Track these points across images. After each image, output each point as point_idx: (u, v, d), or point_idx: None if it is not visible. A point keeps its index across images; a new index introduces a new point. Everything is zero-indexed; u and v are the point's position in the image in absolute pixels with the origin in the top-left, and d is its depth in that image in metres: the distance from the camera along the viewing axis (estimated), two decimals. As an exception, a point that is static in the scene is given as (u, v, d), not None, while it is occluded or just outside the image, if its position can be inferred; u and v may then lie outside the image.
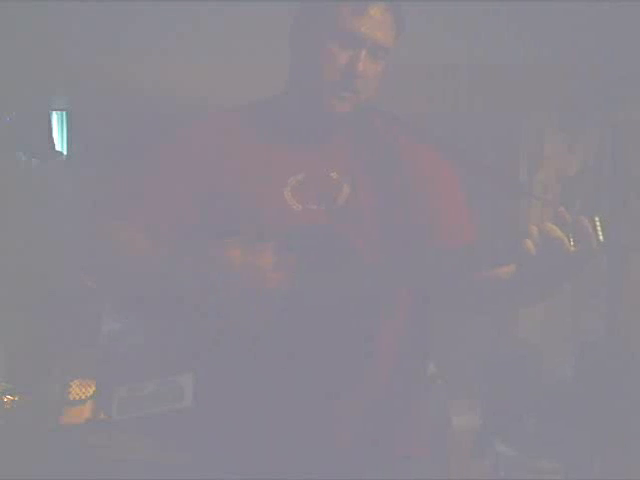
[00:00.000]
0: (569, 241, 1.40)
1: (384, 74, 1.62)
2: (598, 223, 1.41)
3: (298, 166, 1.65)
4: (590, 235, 1.41)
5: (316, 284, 1.52)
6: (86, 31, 3.26)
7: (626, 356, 3.35)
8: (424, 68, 3.35)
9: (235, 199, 1.63)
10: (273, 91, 1.73)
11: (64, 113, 3.59)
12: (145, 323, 1.61)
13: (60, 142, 3.57)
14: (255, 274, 1.49)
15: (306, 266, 1.52)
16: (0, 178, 3.18)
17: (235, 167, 1.65)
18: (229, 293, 1.51)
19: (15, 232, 2.95)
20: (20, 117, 3.33)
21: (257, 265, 1.49)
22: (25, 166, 3.34)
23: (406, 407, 1.70)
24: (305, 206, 1.63)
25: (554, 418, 3.24)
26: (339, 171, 1.66)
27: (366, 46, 1.56)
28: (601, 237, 1.41)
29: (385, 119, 1.70)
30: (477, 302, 1.68)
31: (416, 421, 1.72)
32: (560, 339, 3.69)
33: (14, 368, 2.25)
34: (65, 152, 3.56)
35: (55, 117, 3.57)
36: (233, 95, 1.82)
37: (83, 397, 2.44)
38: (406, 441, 1.70)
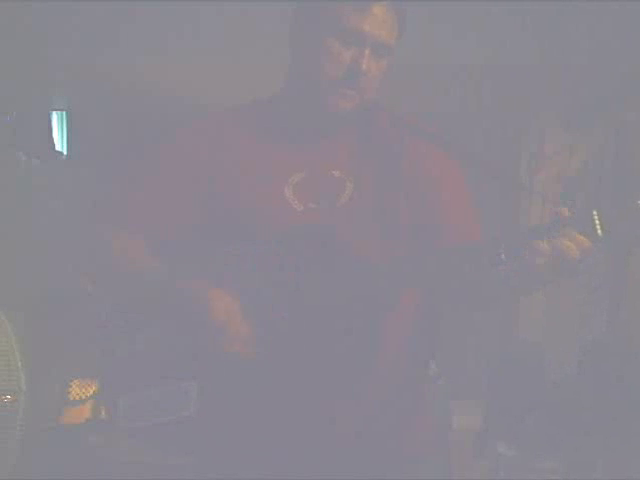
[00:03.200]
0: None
1: (387, 72, 1.62)
2: (596, 218, 1.40)
3: (299, 165, 1.65)
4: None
5: (318, 284, 1.51)
6: (86, 31, 3.25)
7: (628, 355, 3.34)
8: (427, 68, 3.35)
9: (235, 199, 1.63)
10: (273, 91, 1.73)
11: (64, 113, 3.59)
12: (145, 326, 1.60)
13: (60, 142, 3.56)
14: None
15: (307, 266, 1.52)
16: (0, 178, 3.17)
17: (235, 167, 1.65)
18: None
19: (15, 232, 2.94)
20: (20, 117, 3.33)
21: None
22: (25, 166, 3.33)
23: (409, 407, 1.70)
24: (306, 205, 1.63)
25: (555, 418, 3.23)
26: (341, 170, 1.65)
27: (369, 45, 1.56)
28: (599, 232, 1.40)
29: (390, 118, 1.70)
30: (478, 300, 1.68)
31: (419, 421, 1.72)
32: (562, 338, 3.68)
33: (14, 367, 2.24)
34: (65, 152, 3.55)
35: (55, 117, 3.57)
36: (233, 95, 1.82)
37: (83, 397, 2.43)
38: (408, 441, 1.70)
